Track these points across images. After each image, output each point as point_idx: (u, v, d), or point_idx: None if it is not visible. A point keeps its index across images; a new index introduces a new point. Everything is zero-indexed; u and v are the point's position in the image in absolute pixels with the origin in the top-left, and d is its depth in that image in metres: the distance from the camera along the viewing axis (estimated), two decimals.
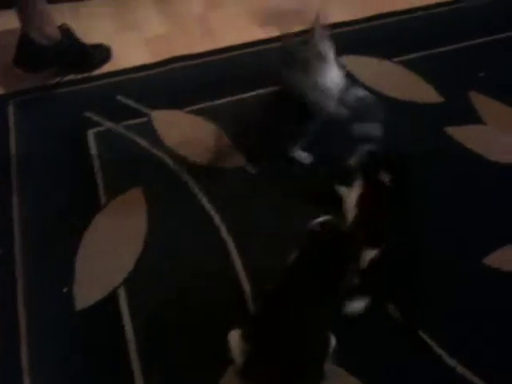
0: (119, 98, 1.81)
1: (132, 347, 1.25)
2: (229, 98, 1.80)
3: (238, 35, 2.05)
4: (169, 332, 1.28)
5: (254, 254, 1.40)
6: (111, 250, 1.42)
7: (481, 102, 1.75)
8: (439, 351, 1.23)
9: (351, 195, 1.40)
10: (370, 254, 1.29)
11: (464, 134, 1.66)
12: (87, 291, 1.34)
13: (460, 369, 1.20)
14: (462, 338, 1.25)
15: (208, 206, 1.50)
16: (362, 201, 1.37)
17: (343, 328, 1.18)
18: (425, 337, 1.24)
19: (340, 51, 1.91)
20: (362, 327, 1.25)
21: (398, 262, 1.32)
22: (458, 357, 1.22)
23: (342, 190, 1.45)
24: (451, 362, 1.21)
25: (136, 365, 1.23)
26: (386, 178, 1.38)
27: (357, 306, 1.27)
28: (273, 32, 2.05)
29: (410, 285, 1.32)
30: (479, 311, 1.29)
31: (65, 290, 1.34)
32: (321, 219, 1.21)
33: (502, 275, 1.35)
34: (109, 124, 1.73)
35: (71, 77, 1.90)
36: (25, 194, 1.56)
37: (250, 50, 2.00)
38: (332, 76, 1.52)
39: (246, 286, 1.34)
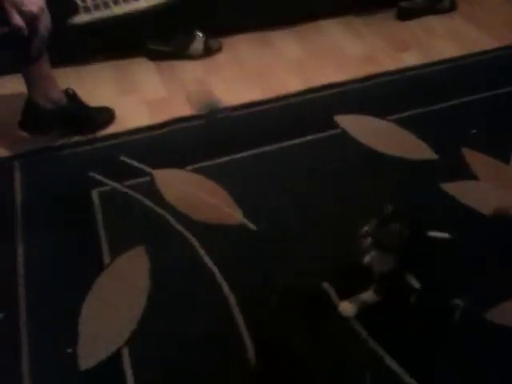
0: (122, 158, 1.86)
1: None
2: (230, 157, 1.86)
3: (235, 97, 2.12)
4: None
5: (257, 312, 1.40)
6: (115, 309, 1.43)
7: (473, 158, 1.81)
8: None
9: None
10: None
11: (459, 190, 1.70)
12: (91, 351, 1.33)
13: None
14: None
15: (210, 264, 1.52)
16: None
17: None
18: None
19: (335, 110, 2.01)
20: None
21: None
22: None
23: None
24: None
25: None
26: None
27: None
28: (269, 93, 2.14)
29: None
30: (482, 368, 1.29)
31: (69, 350, 1.34)
32: None
33: (505, 331, 1.35)
34: (112, 184, 1.77)
35: (75, 138, 1.96)
36: (29, 254, 1.57)
37: (248, 110, 2.07)
38: None
39: (249, 345, 1.34)
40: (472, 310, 1.38)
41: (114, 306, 1.44)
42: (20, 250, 1.58)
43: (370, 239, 1.30)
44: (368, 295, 1.34)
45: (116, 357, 1.33)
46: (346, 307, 1.35)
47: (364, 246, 1.32)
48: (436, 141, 1.87)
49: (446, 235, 1.45)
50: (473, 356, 1.31)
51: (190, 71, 2.29)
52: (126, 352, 1.34)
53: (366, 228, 1.31)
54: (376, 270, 1.33)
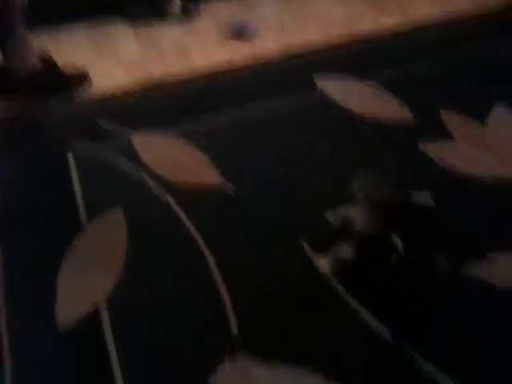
0: (99, 121, 1.84)
1: (115, 366, 1.25)
2: (208, 119, 1.85)
3: (214, 60, 2.10)
4: (152, 351, 1.28)
5: (235, 269, 1.42)
6: (92, 269, 1.43)
7: (451, 119, 1.82)
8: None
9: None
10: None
11: (436, 150, 1.71)
12: (70, 312, 1.34)
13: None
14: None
15: (188, 225, 1.53)
16: None
17: None
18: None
19: (315, 73, 2.00)
20: None
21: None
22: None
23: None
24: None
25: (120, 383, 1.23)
26: None
27: None
28: (249, 56, 2.12)
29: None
30: (464, 324, 1.31)
31: (48, 311, 1.33)
32: None
33: (485, 286, 1.36)
34: (89, 146, 1.75)
35: (51, 103, 1.92)
36: (5, 216, 1.56)
37: (228, 73, 2.05)
38: None
39: (228, 303, 1.35)
40: (453, 267, 1.40)
41: (92, 266, 1.44)
42: None
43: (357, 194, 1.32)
44: (343, 250, 1.35)
45: (95, 316, 1.33)
46: (323, 262, 1.37)
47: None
48: (413, 102, 1.87)
49: (430, 202, 1.47)
50: (454, 312, 1.33)
51: (167, 34, 2.26)
52: (104, 312, 1.34)
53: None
54: (358, 226, 1.35)
